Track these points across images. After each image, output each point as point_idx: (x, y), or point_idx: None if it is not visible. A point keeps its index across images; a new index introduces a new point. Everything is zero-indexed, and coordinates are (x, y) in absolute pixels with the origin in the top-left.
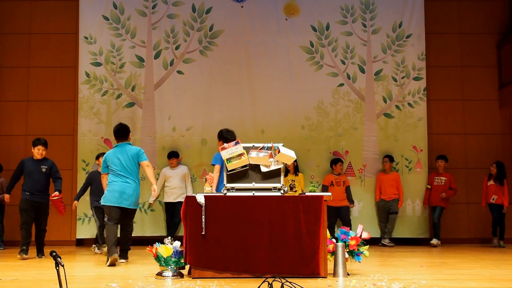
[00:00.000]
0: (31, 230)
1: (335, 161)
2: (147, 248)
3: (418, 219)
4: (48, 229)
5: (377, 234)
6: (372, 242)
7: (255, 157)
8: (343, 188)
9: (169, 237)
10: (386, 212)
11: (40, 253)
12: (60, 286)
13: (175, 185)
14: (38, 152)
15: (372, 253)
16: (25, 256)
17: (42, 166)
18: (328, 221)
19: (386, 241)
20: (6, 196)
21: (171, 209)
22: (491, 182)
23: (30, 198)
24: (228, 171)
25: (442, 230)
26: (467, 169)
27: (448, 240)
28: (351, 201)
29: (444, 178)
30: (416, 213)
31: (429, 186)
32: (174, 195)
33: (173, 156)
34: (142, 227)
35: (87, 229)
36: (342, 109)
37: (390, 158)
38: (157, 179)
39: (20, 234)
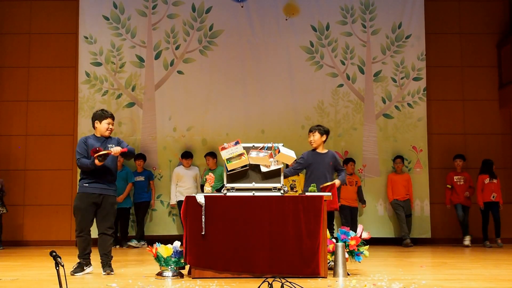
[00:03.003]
0: (89, 237)
1: (347, 160)
2: (147, 248)
3: (419, 219)
4: (47, 229)
5: (382, 234)
6: (381, 242)
7: (255, 157)
8: (355, 188)
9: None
10: (403, 211)
11: (106, 266)
12: (60, 286)
13: (189, 186)
14: (107, 127)
15: (377, 253)
16: (77, 275)
17: (108, 145)
18: (344, 219)
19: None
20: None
21: None
22: (491, 180)
23: (89, 191)
24: (228, 171)
25: (444, 230)
26: (467, 169)
27: (448, 240)
28: (363, 201)
29: (463, 177)
30: (417, 213)
31: (449, 186)
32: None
33: (189, 156)
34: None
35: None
36: (341, 109)
37: (402, 159)
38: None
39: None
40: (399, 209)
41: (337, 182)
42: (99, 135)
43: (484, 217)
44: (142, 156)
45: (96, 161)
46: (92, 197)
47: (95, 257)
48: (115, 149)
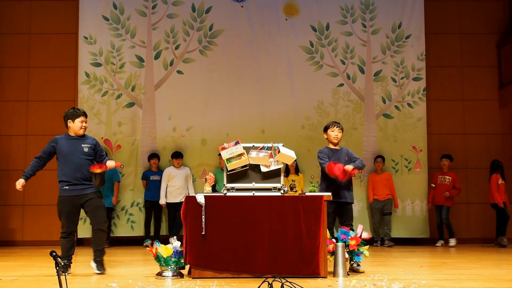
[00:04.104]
0: (74, 239)
1: None
2: (147, 248)
3: (418, 219)
4: (47, 229)
5: (382, 234)
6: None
7: (255, 157)
8: None
9: (174, 237)
10: (380, 212)
11: (99, 265)
12: (60, 286)
13: (179, 186)
14: (81, 125)
15: (377, 253)
16: (62, 274)
17: (83, 145)
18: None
19: (386, 242)
20: (21, 181)
21: (174, 209)
22: (503, 181)
23: (70, 194)
24: (228, 171)
25: (444, 230)
26: (467, 169)
27: (447, 240)
28: None
29: (448, 177)
30: (416, 213)
31: (433, 185)
32: (178, 196)
33: (179, 156)
34: (140, 226)
35: (87, 229)
36: (342, 109)
37: (383, 159)
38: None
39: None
40: (375, 212)
41: (348, 167)
42: (73, 134)
43: (504, 216)
44: (156, 156)
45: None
46: (74, 200)
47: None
48: (111, 164)
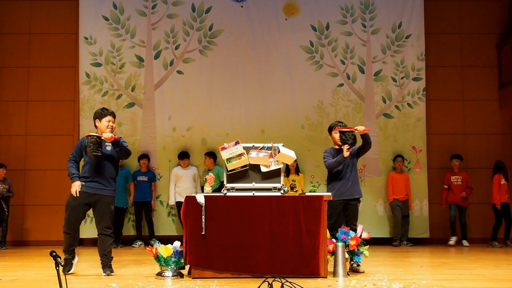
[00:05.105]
0: (76, 235)
1: None
2: (147, 248)
3: (418, 219)
4: (47, 229)
5: (382, 234)
6: (381, 242)
7: (255, 157)
8: None
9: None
10: (401, 212)
11: (106, 267)
12: (60, 286)
13: (187, 186)
14: (107, 124)
15: (377, 253)
16: (62, 272)
17: (107, 144)
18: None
19: (404, 243)
20: (77, 184)
21: None
22: (505, 181)
23: (83, 190)
24: (228, 171)
25: (443, 230)
26: (467, 169)
27: (447, 240)
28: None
29: (460, 177)
30: (416, 213)
31: (446, 186)
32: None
33: (186, 156)
34: (143, 227)
35: (87, 229)
36: (342, 109)
37: (403, 158)
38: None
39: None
40: (397, 210)
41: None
42: (100, 134)
43: (497, 218)
44: (145, 156)
45: (73, 187)
46: (85, 196)
47: (96, 257)
48: (106, 135)
